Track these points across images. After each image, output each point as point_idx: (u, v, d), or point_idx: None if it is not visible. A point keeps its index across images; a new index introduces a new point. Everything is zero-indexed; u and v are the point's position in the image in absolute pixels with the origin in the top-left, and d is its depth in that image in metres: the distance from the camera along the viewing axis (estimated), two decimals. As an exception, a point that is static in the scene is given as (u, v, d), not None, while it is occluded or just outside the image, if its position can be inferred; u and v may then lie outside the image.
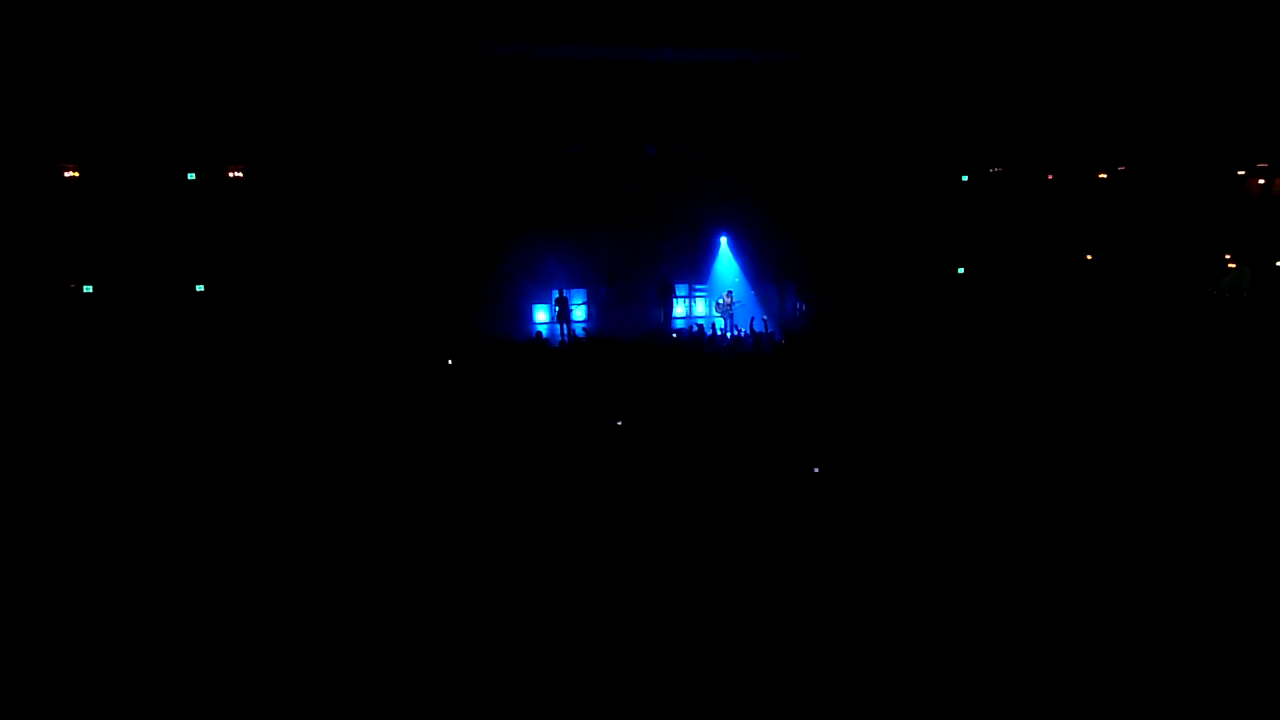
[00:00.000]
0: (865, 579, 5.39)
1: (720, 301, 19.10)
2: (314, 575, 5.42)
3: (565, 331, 17.86)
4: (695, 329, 17.83)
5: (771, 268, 19.68)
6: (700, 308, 20.10)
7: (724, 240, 19.99)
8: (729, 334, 17.55)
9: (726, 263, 20.01)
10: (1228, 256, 17.50)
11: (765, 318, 17.29)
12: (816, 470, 7.21)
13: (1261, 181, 18.60)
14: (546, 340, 16.51)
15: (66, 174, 15.93)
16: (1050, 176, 19.21)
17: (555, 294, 18.47)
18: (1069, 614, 4.82)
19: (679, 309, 19.74)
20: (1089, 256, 19.30)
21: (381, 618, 4.82)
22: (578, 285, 18.98)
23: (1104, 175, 19.21)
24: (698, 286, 20.11)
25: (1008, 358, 11.97)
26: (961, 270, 19.21)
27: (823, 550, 5.83)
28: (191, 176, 16.50)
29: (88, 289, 16.14)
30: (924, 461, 7.53)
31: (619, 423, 9.00)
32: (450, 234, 17.39)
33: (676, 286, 19.48)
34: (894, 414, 9.01)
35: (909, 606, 5.01)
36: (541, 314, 18.86)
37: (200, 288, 16.66)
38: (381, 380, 11.38)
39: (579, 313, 18.92)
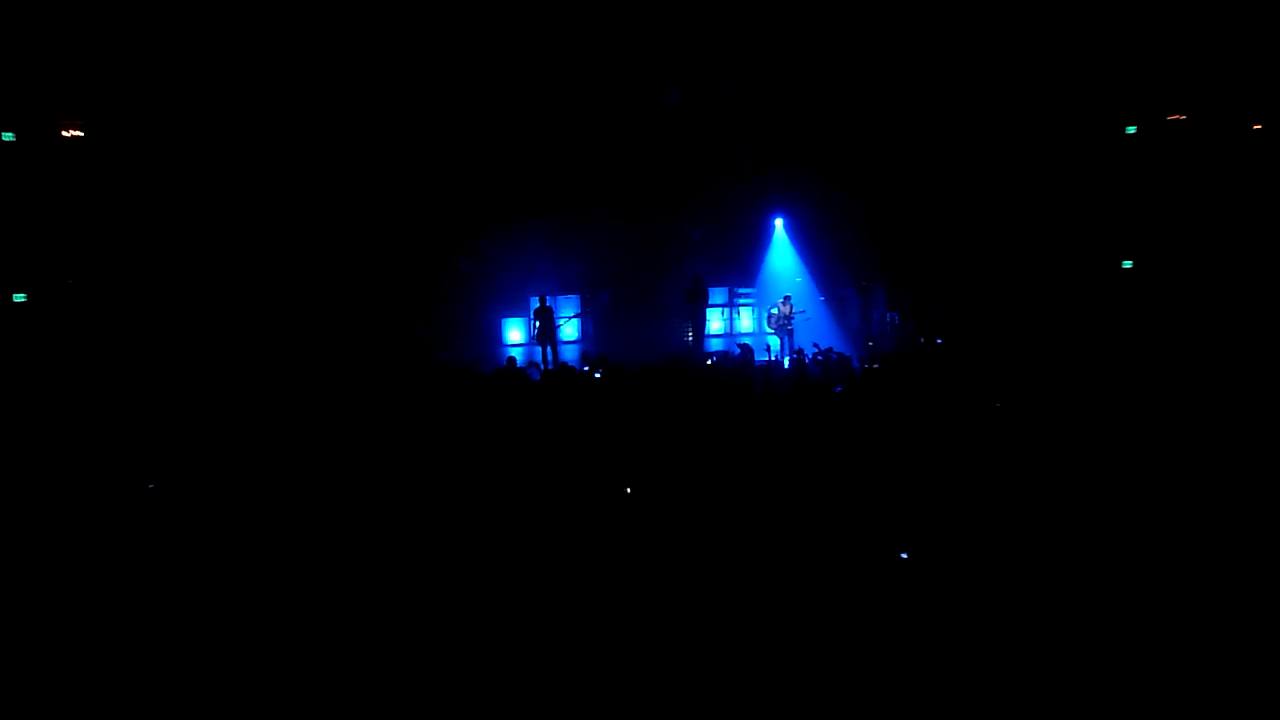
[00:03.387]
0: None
1: (775, 312, 16.24)
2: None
3: (548, 356, 15.12)
4: (738, 352, 14.90)
5: (849, 265, 17.55)
6: (746, 321, 18.22)
7: (780, 224, 17.96)
8: (787, 359, 15.02)
9: (783, 257, 17.98)
10: None
11: (814, 342, 14.92)
12: (905, 556, 6.26)
13: None
14: (523, 369, 13.90)
15: None
16: (1258, 126, 15.69)
17: (534, 303, 15.92)
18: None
19: (715, 323, 17.93)
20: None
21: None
22: (568, 291, 16.91)
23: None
24: (742, 291, 18.29)
25: (1198, 392, 10.12)
26: (1129, 264, 16.30)
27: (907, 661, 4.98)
28: (9, 137, 14.66)
29: None
30: (1072, 541, 6.29)
31: (627, 489, 8.01)
32: (387, 216, 15.58)
33: (712, 291, 17.32)
34: (1028, 477, 7.70)
35: None
36: (516, 332, 16.99)
37: (20, 298, 14.76)
38: (284, 420, 10.11)
39: (568, 329, 16.78)
